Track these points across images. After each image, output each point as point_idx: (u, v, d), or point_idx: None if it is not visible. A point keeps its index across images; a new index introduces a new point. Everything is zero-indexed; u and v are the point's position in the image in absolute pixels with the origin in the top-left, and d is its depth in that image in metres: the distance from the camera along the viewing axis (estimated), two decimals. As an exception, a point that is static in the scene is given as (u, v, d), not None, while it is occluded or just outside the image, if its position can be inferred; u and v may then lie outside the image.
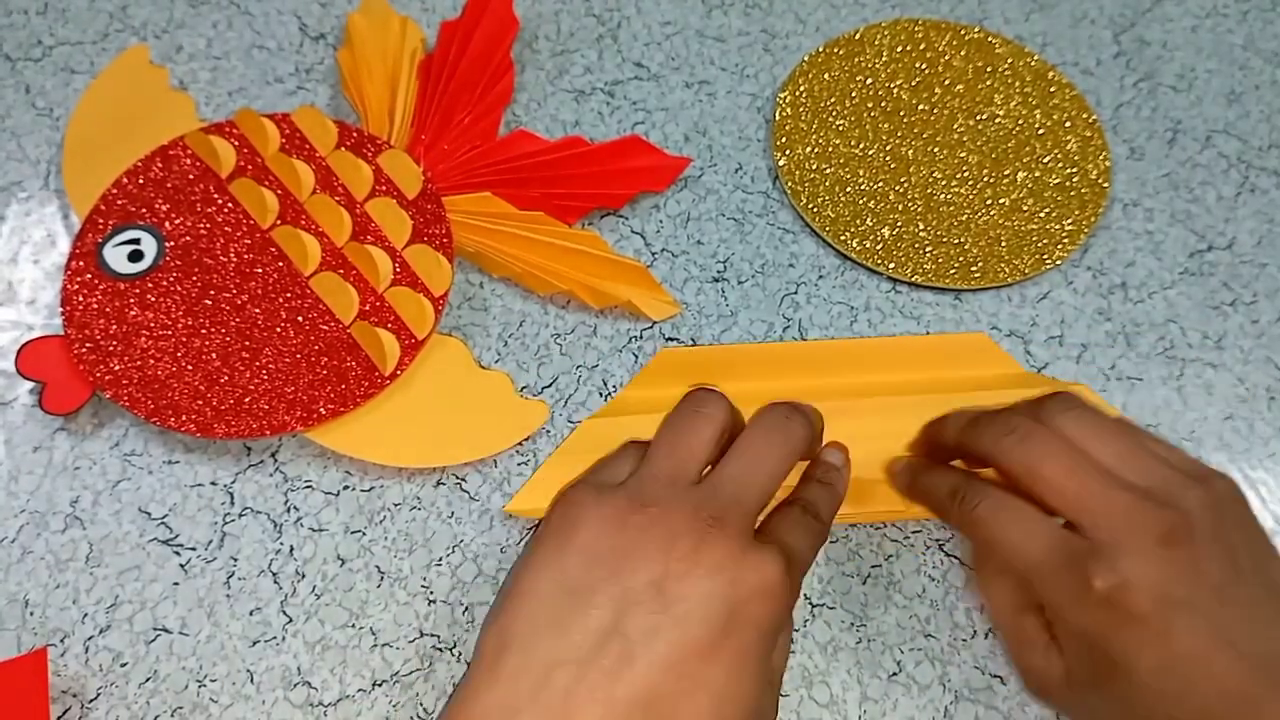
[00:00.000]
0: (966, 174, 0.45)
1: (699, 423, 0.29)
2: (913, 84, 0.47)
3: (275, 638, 0.35)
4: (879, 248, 0.43)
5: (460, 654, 0.35)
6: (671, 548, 0.25)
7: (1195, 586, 0.25)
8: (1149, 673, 0.26)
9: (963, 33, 0.49)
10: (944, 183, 0.45)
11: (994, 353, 0.40)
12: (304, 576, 0.36)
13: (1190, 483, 0.27)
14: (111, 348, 0.38)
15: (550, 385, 0.40)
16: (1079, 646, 0.28)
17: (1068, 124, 0.46)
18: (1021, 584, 0.31)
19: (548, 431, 0.39)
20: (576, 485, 0.29)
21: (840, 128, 0.46)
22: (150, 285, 0.39)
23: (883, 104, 0.47)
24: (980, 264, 0.43)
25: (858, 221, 0.44)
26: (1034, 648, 0.30)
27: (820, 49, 0.48)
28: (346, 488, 0.38)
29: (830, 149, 0.45)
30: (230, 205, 0.41)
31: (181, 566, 0.36)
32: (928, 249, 0.43)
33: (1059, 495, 0.27)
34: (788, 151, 0.45)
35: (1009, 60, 0.48)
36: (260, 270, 0.40)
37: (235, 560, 0.36)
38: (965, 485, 0.30)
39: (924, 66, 0.48)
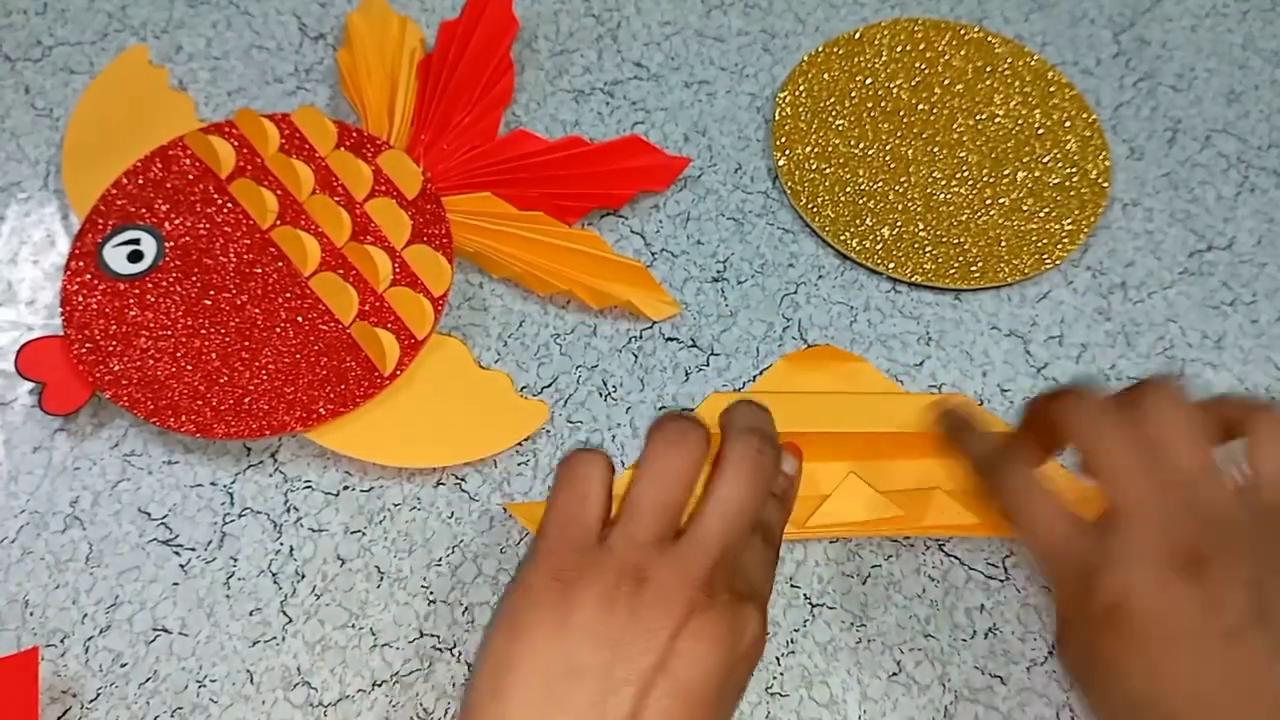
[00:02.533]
0: (966, 174, 0.45)
1: (679, 463, 0.28)
2: (912, 84, 0.47)
3: (275, 638, 0.35)
4: (879, 247, 0.43)
5: (460, 654, 0.35)
6: (670, 626, 0.26)
7: (1205, 621, 0.24)
8: (1134, 692, 0.26)
9: (962, 32, 0.49)
10: (944, 182, 0.45)
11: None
12: (304, 577, 0.36)
13: (1254, 512, 0.25)
14: (111, 348, 0.38)
15: (550, 385, 0.40)
16: (1076, 634, 0.28)
17: (1067, 124, 0.46)
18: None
19: (548, 431, 0.39)
20: (556, 549, 0.27)
21: (840, 128, 0.46)
22: (150, 285, 0.39)
23: (882, 104, 0.47)
24: (980, 264, 0.43)
25: (857, 221, 0.44)
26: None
27: (820, 49, 0.48)
28: (346, 488, 0.38)
29: (830, 149, 0.45)
30: (230, 205, 0.41)
31: (181, 567, 0.36)
32: (927, 249, 0.43)
33: (1109, 481, 0.27)
34: (787, 151, 0.45)
35: (1008, 60, 0.48)
36: (260, 270, 0.40)
37: (235, 560, 0.36)
38: (1001, 454, 0.30)
39: (923, 66, 0.48)
